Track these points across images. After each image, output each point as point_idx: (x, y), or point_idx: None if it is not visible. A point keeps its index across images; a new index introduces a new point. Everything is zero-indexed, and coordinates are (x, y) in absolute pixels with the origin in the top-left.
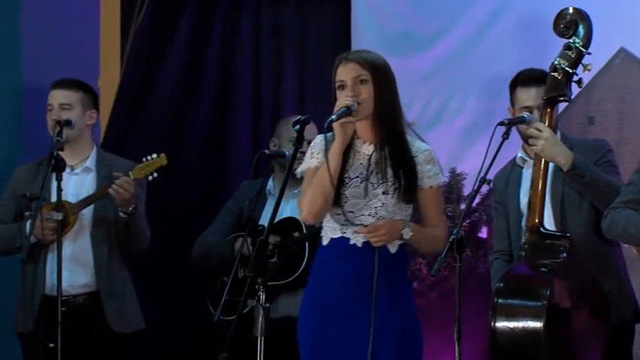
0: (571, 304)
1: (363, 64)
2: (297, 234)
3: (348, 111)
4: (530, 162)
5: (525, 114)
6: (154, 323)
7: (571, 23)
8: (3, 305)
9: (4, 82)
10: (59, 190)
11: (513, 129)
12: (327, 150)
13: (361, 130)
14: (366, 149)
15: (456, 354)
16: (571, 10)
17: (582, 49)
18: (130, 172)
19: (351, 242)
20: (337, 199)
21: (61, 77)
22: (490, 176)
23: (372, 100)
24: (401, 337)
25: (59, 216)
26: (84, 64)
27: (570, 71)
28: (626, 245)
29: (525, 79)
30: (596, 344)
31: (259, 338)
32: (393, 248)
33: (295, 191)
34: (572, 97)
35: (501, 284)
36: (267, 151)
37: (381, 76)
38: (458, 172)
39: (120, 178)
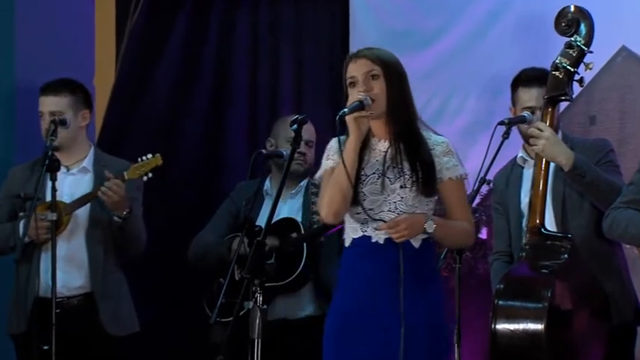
0: (572, 305)
1: (374, 60)
2: (294, 235)
3: (360, 105)
4: (531, 162)
5: (526, 113)
6: (150, 324)
7: (572, 21)
8: None
9: None
10: (53, 190)
11: (514, 128)
12: (341, 151)
13: (376, 129)
14: (381, 146)
15: (456, 356)
16: (572, 9)
17: (584, 47)
18: (125, 172)
19: (373, 240)
20: (355, 197)
21: (55, 77)
22: (490, 176)
23: (385, 96)
24: (429, 337)
25: (53, 216)
26: (79, 63)
27: (572, 70)
28: (627, 246)
29: (527, 78)
30: (597, 346)
31: (256, 340)
32: (416, 243)
33: (292, 191)
34: (574, 96)
35: (502, 285)
36: (264, 151)
37: (392, 71)
38: None
39: (110, 180)
